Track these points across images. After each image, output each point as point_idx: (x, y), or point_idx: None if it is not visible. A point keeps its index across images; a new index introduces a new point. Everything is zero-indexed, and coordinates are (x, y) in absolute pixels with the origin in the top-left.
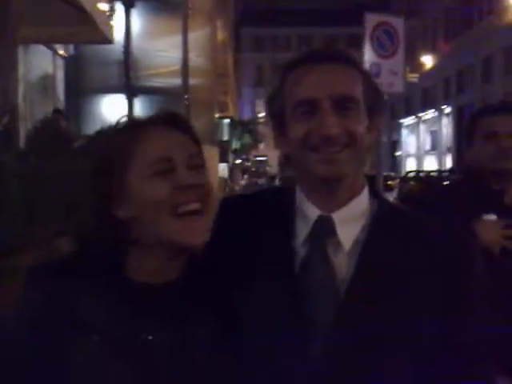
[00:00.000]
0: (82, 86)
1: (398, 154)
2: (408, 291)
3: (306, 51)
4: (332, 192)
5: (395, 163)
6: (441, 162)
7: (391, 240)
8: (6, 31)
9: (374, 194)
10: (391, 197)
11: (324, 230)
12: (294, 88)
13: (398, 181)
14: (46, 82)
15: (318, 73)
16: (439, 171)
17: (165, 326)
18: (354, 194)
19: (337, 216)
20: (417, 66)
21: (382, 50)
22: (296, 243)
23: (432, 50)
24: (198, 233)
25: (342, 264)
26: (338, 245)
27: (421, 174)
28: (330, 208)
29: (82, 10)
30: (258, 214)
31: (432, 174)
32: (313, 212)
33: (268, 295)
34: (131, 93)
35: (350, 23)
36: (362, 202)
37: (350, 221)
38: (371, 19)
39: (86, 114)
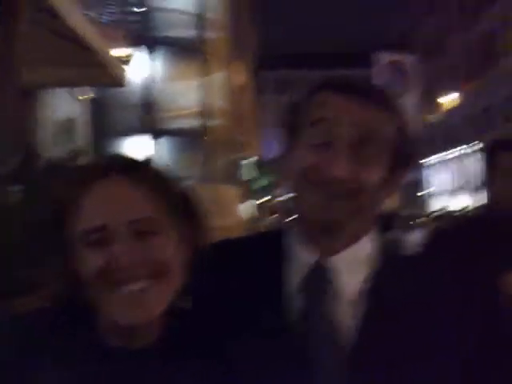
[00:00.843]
0: (104, 128)
1: (422, 193)
2: (421, 347)
3: (339, 77)
4: (329, 237)
5: (418, 203)
6: (469, 200)
7: (400, 289)
8: (11, 73)
9: (385, 232)
10: (415, 235)
11: (322, 277)
12: (315, 108)
13: (422, 220)
14: (71, 125)
15: (342, 102)
16: (463, 210)
17: None
18: (357, 237)
19: (337, 261)
20: (438, 106)
21: (391, 89)
22: (289, 293)
23: (454, 89)
24: (141, 312)
25: (345, 317)
26: (338, 294)
27: (445, 215)
28: (329, 251)
29: (94, 54)
30: (244, 260)
31: (456, 213)
32: (309, 256)
33: (262, 355)
34: (156, 135)
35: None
36: (366, 247)
37: (353, 267)
38: (380, 58)
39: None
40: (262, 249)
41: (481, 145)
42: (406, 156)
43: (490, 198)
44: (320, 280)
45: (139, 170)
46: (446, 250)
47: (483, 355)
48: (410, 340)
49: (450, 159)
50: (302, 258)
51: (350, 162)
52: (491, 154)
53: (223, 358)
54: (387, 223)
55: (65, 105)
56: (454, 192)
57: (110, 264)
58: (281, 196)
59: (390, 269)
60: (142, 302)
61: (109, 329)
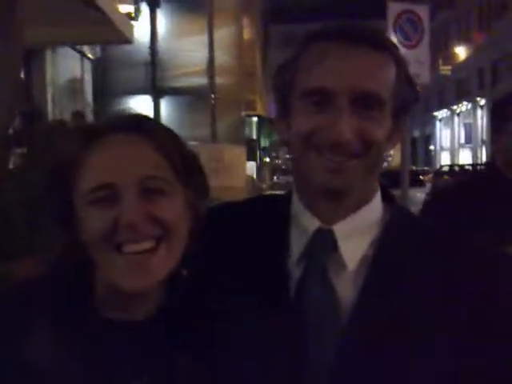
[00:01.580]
0: (109, 88)
1: (431, 147)
2: (425, 318)
3: (335, 23)
4: (335, 202)
5: (429, 157)
6: (476, 155)
7: (405, 257)
8: (12, 32)
9: (389, 200)
10: (423, 192)
11: (324, 244)
12: (308, 70)
13: (431, 175)
14: (75, 85)
15: (342, 56)
16: (474, 165)
17: (140, 372)
18: (362, 202)
19: (340, 228)
20: (450, 58)
21: (406, 40)
22: (290, 261)
23: (466, 40)
24: (146, 276)
25: (346, 286)
26: (340, 263)
27: (455, 168)
28: (332, 219)
29: (101, 11)
30: (247, 225)
31: (466, 167)
32: (311, 223)
33: (258, 326)
34: (157, 94)
35: (379, 16)
36: (371, 212)
37: (356, 234)
38: (394, 8)
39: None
40: (264, 213)
41: (485, 100)
42: (408, 102)
43: (498, 148)
44: (322, 247)
45: (148, 127)
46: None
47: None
48: (409, 314)
49: (457, 114)
50: (304, 223)
51: (353, 121)
52: (504, 105)
53: (219, 331)
54: (395, 179)
55: (71, 64)
56: (462, 146)
57: (117, 222)
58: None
59: (393, 237)
60: (149, 263)
61: (107, 298)
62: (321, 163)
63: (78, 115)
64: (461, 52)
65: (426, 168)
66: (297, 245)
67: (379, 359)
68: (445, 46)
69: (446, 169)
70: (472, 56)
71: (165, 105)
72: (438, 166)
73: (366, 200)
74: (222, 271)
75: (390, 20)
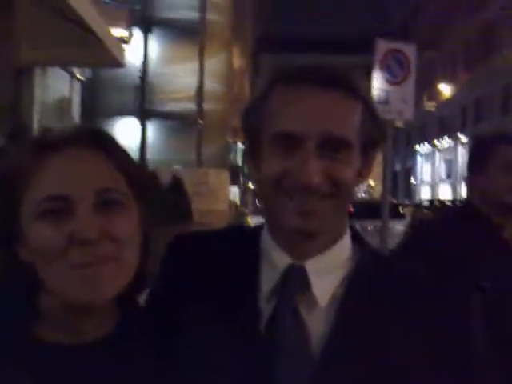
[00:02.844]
0: (97, 109)
1: (412, 181)
2: (394, 356)
3: (303, 66)
4: (306, 242)
5: (409, 191)
6: (455, 191)
7: (374, 295)
8: (8, 52)
9: (358, 239)
10: (403, 224)
11: (295, 281)
12: (276, 114)
13: (411, 208)
14: (63, 105)
15: (309, 100)
16: (453, 201)
17: None
18: (333, 240)
19: (311, 265)
20: (434, 95)
21: (391, 77)
22: (260, 297)
23: (450, 79)
24: (99, 290)
25: (317, 323)
26: (312, 300)
27: (435, 203)
28: (303, 256)
29: (94, 34)
30: (218, 258)
31: (446, 203)
32: (282, 259)
33: (228, 361)
34: (145, 117)
35: (369, 52)
36: (342, 250)
37: (327, 271)
38: (382, 46)
39: None
40: (235, 246)
41: (467, 138)
42: (376, 140)
43: (479, 189)
44: (294, 284)
45: (104, 141)
46: (424, 251)
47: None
48: (379, 350)
49: (439, 149)
50: (275, 259)
51: (321, 164)
52: (487, 145)
53: (179, 358)
54: (375, 212)
55: (60, 84)
56: (443, 181)
57: (71, 239)
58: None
59: (363, 275)
60: (101, 275)
61: (56, 320)
62: (291, 206)
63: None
64: (445, 90)
65: (406, 201)
66: (267, 280)
67: None
68: (430, 83)
69: (426, 203)
70: (456, 94)
71: (152, 128)
72: (418, 200)
73: (336, 238)
74: (189, 302)
75: (377, 57)
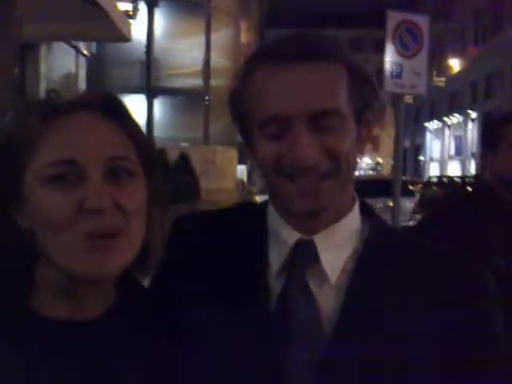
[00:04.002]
0: (103, 84)
1: (421, 158)
2: (406, 329)
3: (274, 41)
4: (313, 219)
5: (418, 168)
6: (465, 167)
7: (386, 269)
8: (10, 29)
9: (368, 213)
10: (413, 202)
11: (305, 256)
12: (258, 98)
13: (420, 186)
14: (69, 81)
15: (288, 79)
16: (463, 177)
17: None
18: (340, 214)
19: (320, 239)
20: (444, 70)
21: (404, 50)
22: (269, 274)
23: (460, 53)
24: (108, 262)
25: (328, 298)
26: (322, 275)
27: (444, 180)
28: (311, 230)
29: (100, 8)
30: (224, 236)
31: (455, 179)
32: (291, 235)
33: (237, 338)
34: (151, 93)
35: (378, 25)
36: (350, 224)
37: (336, 245)
38: (394, 17)
39: None
40: (241, 224)
41: (476, 114)
42: (369, 103)
43: (492, 168)
44: (303, 259)
45: (115, 107)
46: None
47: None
48: (393, 326)
49: (448, 126)
50: (283, 235)
51: (315, 141)
52: (499, 124)
53: (185, 337)
54: (384, 189)
55: (65, 59)
56: (452, 158)
57: (82, 207)
58: None
59: (374, 250)
60: (111, 248)
61: (55, 295)
62: (292, 188)
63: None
64: (455, 65)
65: (415, 178)
66: (276, 256)
67: (364, 371)
68: (439, 57)
69: (434, 180)
70: (466, 69)
71: (158, 105)
72: (427, 177)
73: (343, 212)
74: (196, 281)
75: (389, 29)
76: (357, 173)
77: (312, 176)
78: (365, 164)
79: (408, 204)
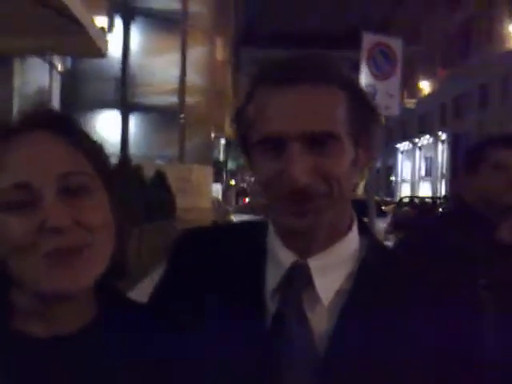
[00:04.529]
0: (77, 100)
1: (393, 179)
2: (400, 351)
3: (275, 63)
4: (308, 240)
5: (390, 188)
6: (435, 188)
7: (381, 290)
8: None
9: (365, 233)
10: (385, 222)
11: (299, 279)
12: (257, 119)
13: (392, 206)
14: (42, 96)
15: (285, 100)
16: (433, 198)
17: None
18: (336, 236)
19: (314, 263)
20: (414, 92)
21: (378, 72)
22: (265, 294)
23: (430, 76)
24: (73, 277)
25: (321, 320)
26: (315, 298)
27: (415, 200)
28: (307, 251)
29: (77, 23)
30: (222, 253)
31: (426, 200)
32: (287, 257)
33: (230, 360)
34: (126, 109)
35: (351, 47)
36: (347, 246)
37: (333, 267)
38: (368, 39)
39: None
40: (240, 242)
41: (446, 135)
42: (368, 125)
43: (469, 189)
44: (297, 282)
45: (64, 123)
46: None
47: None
48: (385, 348)
49: (419, 147)
50: (280, 257)
51: (308, 163)
52: (479, 147)
53: (180, 352)
54: (357, 209)
55: (39, 74)
56: (422, 178)
57: (41, 229)
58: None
59: (369, 272)
60: (73, 264)
61: (30, 311)
62: (286, 207)
63: None
64: (425, 87)
65: (387, 198)
66: (273, 277)
67: None
68: (410, 80)
69: (406, 200)
70: (435, 91)
71: (133, 121)
72: (398, 198)
73: (339, 234)
74: (195, 297)
75: (363, 51)
76: None
77: (305, 196)
78: None
79: (381, 224)
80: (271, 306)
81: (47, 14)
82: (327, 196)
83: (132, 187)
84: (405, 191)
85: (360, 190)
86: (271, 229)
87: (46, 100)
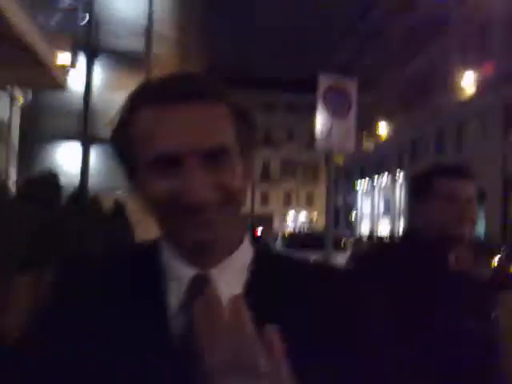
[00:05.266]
0: (37, 133)
1: (353, 215)
2: (296, 354)
3: (158, 81)
4: (206, 253)
5: (350, 225)
6: (394, 225)
7: (273, 296)
8: None
9: (255, 242)
10: (344, 256)
11: (203, 292)
12: (148, 138)
13: (351, 241)
14: (1, 128)
15: (177, 118)
16: (391, 236)
17: None
18: (233, 247)
19: (216, 273)
20: (373, 133)
21: (334, 111)
22: (168, 314)
23: (388, 119)
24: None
25: None
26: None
27: (373, 237)
28: (206, 264)
29: (38, 57)
30: (113, 280)
31: (384, 237)
32: (186, 271)
33: (143, 376)
34: (87, 142)
35: (311, 91)
36: (242, 255)
37: (232, 277)
38: (325, 80)
39: (40, 161)
40: (136, 264)
41: (403, 175)
42: (252, 138)
43: (419, 221)
44: (201, 294)
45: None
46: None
47: None
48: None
49: (377, 186)
50: (179, 272)
51: (205, 178)
52: (428, 177)
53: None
54: (317, 243)
55: (0, 106)
56: (381, 216)
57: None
58: None
59: (260, 278)
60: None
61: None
62: (186, 224)
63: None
64: (384, 128)
65: (347, 235)
66: (174, 295)
67: None
68: (369, 122)
69: (365, 237)
70: (394, 133)
71: (94, 154)
72: (358, 234)
73: (236, 244)
74: (86, 332)
75: (320, 91)
76: (293, 228)
77: (205, 211)
78: (300, 220)
79: (341, 259)
80: (177, 325)
81: (8, 47)
82: (225, 208)
83: (89, 218)
84: (364, 228)
85: (318, 226)
86: (166, 246)
87: (5, 133)
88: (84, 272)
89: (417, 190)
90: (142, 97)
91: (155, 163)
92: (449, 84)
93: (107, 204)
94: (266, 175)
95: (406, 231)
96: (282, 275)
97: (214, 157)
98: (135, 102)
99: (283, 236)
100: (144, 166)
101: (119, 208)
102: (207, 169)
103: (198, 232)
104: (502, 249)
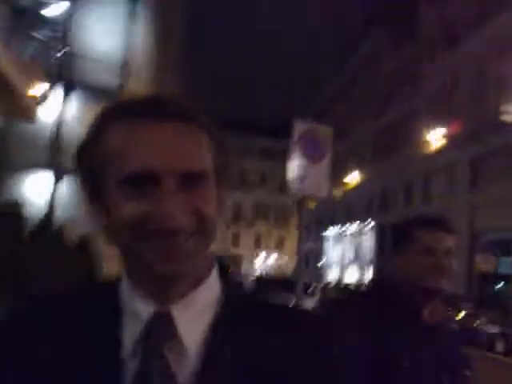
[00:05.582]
0: (7, 162)
1: (322, 261)
2: None
3: (131, 100)
4: (171, 286)
5: (319, 271)
6: (363, 272)
7: (241, 334)
8: None
9: (224, 277)
10: (313, 301)
11: (162, 330)
12: (122, 155)
13: (320, 288)
14: None
15: (155, 137)
16: (358, 284)
17: None
18: (199, 280)
19: (178, 310)
20: (343, 182)
21: (308, 156)
22: (124, 353)
23: (359, 168)
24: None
25: (187, 372)
26: (180, 348)
27: (340, 284)
28: (168, 301)
29: (9, 88)
30: (68, 321)
31: (350, 285)
32: (146, 308)
33: None
34: (58, 173)
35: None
36: (209, 290)
37: (197, 313)
38: (299, 126)
39: (7, 191)
40: (92, 303)
41: (372, 224)
42: (225, 166)
43: (395, 271)
44: (160, 333)
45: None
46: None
47: None
48: None
49: (347, 234)
50: (137, 309)
51: (182, 200)
52: (406, 228)
53: None
54: (287, 287)
55: None
56: (350, 263)
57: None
58: None
59: (229, 315)
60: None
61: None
62: (153, 250)
63: None
64: (353, 178)
65: (316, 281)
66: (131, 334)
67: None
68: (339, 172)
69: (332, 284)
70: (363, 183)
71: (66, 183)
72: (326, 280)
73: (202, 277)
74: (38, 374)
75: (295, 136)
76: (263, 272)
77: (177, 236)
78: (270, 263)
79: (310, 303)
80: (132, 364)
81: None
82: (199, 234)
83: (50, 252)
84: (333, 274)
85: (288, 270)
86: (124, 281)
87: None
88: (32, 315)
89: (395, 240)
90: (115, 113)
91: (126, 183)
92: (414, 140)
93: (74, 237)
94: (237, 217)
95: (377, 280)
96: (252, 317)
97: (191, 180)
98: (106, 118)
99: (252, 279)
100: (113, 186)
101: (84, 242)
102: (184, 192)
103: (162, 262)
104: (468, 306)
